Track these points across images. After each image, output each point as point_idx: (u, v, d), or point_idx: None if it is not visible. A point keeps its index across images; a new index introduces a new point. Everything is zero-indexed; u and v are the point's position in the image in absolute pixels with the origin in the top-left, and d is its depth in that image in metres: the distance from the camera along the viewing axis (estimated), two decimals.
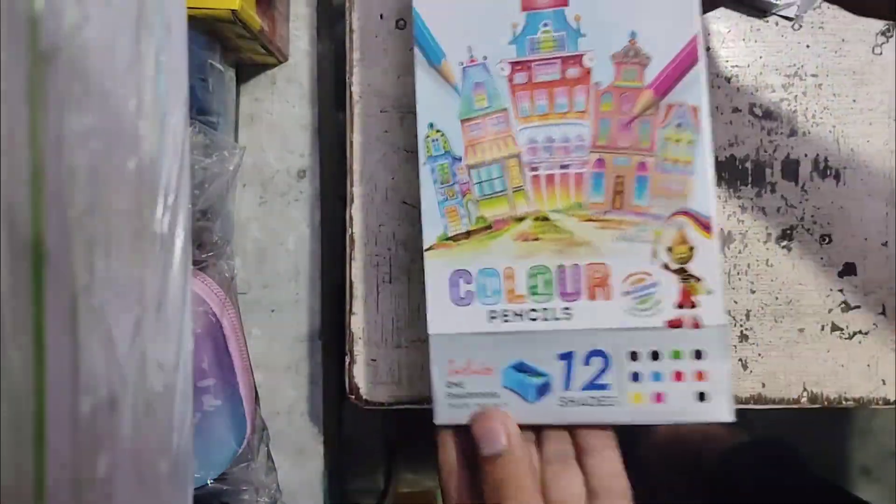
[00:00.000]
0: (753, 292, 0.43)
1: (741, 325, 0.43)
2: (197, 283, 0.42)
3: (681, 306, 0.31)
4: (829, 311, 0.43)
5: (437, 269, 0.34)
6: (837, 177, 0.43)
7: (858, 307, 0.43)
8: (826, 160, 0.43)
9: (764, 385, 0.43)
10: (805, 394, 0.43)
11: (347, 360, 0.44)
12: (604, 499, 0.32)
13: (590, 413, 0.32)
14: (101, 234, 0.20)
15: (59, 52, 0.18)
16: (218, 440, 0.43)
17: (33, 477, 0.18)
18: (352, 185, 0.44)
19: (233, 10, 0.40)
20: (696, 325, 0.31)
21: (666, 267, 0.31)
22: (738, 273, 0.43)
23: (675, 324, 0.31)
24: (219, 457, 0.43)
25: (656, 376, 0.31)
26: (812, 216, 0.43)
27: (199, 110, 0.44)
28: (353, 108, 0.45)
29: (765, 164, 0.43)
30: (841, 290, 0.43)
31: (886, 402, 0.43)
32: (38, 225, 0.17)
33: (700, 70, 0.32)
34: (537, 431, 0.34)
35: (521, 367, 0.32)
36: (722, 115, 0.43)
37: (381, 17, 0.44)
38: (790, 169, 0.43)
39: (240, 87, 0.51)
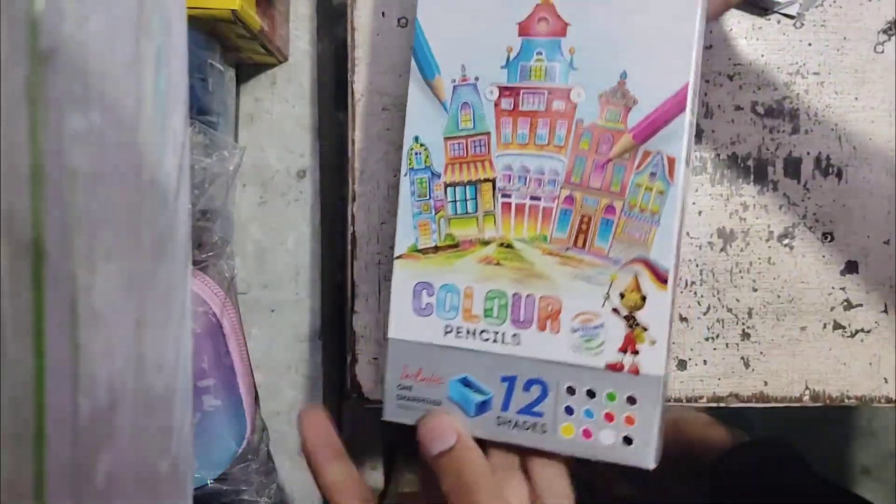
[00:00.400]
0: (755, 290, 0.43)
1: (743, 324, 0.43)
2: (197, 283, 0.42)
3: (623, 351, 0.32)
4: (832, 309, 0.43)
5: (403, 277, 0.35)
6: (839, 175, 0.43)
7: (861, 305, 0.43)
8: (828, 158, 0.43)
9: (766, 383, 0.43)
10: (807, 392, 0.43)
11: (349, 358, 0.44)
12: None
13: (522, 436, 0.33)
14: (101, 235, 0.20)
15: (59, 52, 0.18)
16: (218, 440, 0.43)
17: (33, 477, 0.18)
18: (353, 184, 0.44)
19: (233, 10, 0.40)
20: (635, 372, 0.32)
21: (615, 311, 0.32)
22: (741, 271, 0.43)
23: (614, 367, 0.32)
24: (219, 457, 0.43)
25: (588, 413, 0.32)
26: (814, 214, 0.43)
27: (199, 110, 0.43)
28: (354, 106, 0.44)
29: (767, 162, 0.43)
30: (843, 289, 0.43)
31: (889, 400, 0.43)
32: (38, 225, 0.17)
33: (684, 120, 0.31)
34: (483, 445, 0.34)
35: (466, 382, 0.34)
36: (724, 113, 0.43)
37: (383, 14, 0.44)
38: (792, 167, 0.43)
39: (240, 87, 0.51)
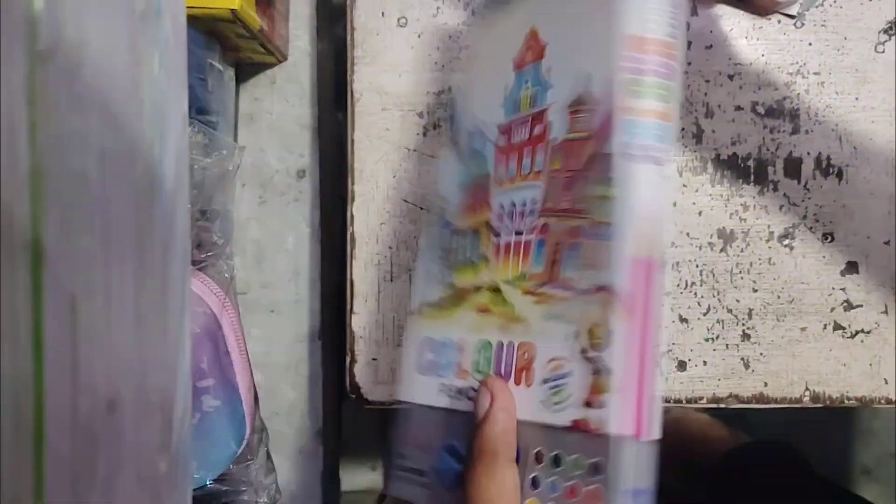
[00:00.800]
0: (755, 291, 0.43)
1: (743, 324, 0.43)
2: (196, 283, 0.42)
3: (588, 405, 0.26)
4: (832, 309, 0.43)
5: (412, 334, 0.33)
6: (840, 175, 0.43)
7: (861, 306, 0.43)
8: (828, 158, 0.43)
9: (766, 384, 0.43)
10: (807, 393, 0.43)
11: (348, 359, 0.44)
12: None
13: None
14: (101, 235, 0.20)
15: (59, 52, 0.18)
16: (217, 440, 0.43)
17: (33, 477, 0.18)
18: (352, 184, 0.44)
19: (232, 10, 0.40)
20: (600, 433, 0.25)
21: (583, 353, 0.26)
22: (741, 272, 0.43)
23: (579, 425, 0.26)
24: (218, 457, 0.43)
25: (553, 488, 0.26)
26: (814, 214, 0.43)
27: (199, 110, 0.43)
28: (353, 106, 0.44)
29: (767, 163, 0.43)
30: (843, 289, 0.43)
31: (888, 401, 0.43)
32: (38, 225, 0.17)
33: None
34: None
35: (452, 451, 0.30)
36: (724, 113, 0.43)
37: (383, 14, 0.44)
38: (792, 167, 0.43)
39: (239, 87, 0.51)
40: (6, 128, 0.16)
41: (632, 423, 0.25)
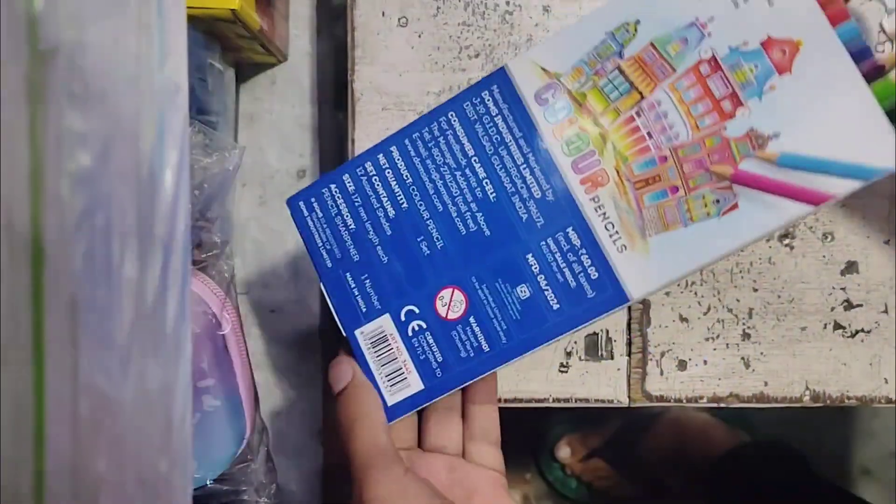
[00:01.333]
0: (756, 290, 0.43)
1: (743, 324, 0.43)
2: (197, 283, 0.42)
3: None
4: (832, 309, 0.43)
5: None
6: None
7: (861, 305, 0.43)
8: None
9: (766, 384, 0.43)
10: (807, 392, 0.43)
11: None
12: (478, 441, 0.36)
13: None
14: (101, 234, 0.20)
15: (59, 52, 0.18)
16: (217, 440, 0.43)
17: (33, 477, 0.18)
18: None
19: (232, 10, 0.40)
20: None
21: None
22: (741, 271, 0.43)
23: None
24: (218, 457, 0.43)
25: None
26: (814, 214, 0.43)
27: (199, 110, 0.43)
28: (354, 105, 0.44)
29: None
30: (843, 289, 0.43)
31: (889, 400, 0.43)
32: (38, 225, 0.17)
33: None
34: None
35: None
36: None
37: (383, 14, 0.44)
38: None
39: (239, 87, 0.51)
40: (6, 127, 0.16)
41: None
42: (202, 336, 0.41)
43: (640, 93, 0.35)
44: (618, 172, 0.34)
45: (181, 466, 0.24)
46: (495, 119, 0.35)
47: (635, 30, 0.35)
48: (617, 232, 0.34)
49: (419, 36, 0.44)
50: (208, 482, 0.43)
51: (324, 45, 0.51)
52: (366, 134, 0.44)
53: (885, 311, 0.43)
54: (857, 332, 0.43)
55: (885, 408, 0.43)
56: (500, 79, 0.35)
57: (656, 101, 0.34)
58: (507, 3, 0.44)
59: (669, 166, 0.34)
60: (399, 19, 0.44)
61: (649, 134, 0.34)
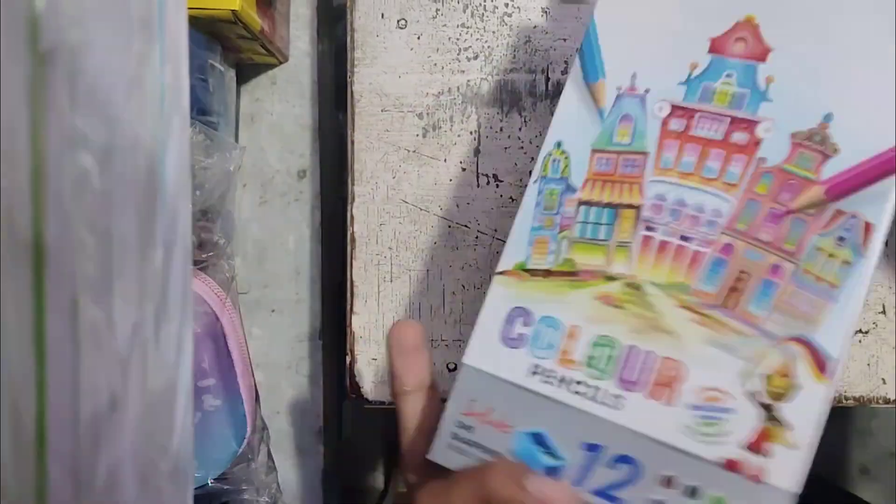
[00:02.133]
0: None
1: None
2: (197, 283, 0.42)
3: (750, 448, 0.25)
4: None
5: (499, 297, 0.29)
6: None
7: None
8: None
9: None
10: None
11: (349, 359, 0.44)
12: None
13: None
14: (102, 235, 0.20)
15: (59, 52, 0.18)
16: (218, 440, 0.43)
17: (34, 477, 0.18)
18: (352, 184, 0.44)
19: (233, 11, 0.40)
20: (757, 479, 0.25)
21: (753, 396, 0.26)
22: None
23: (733, 466, 0.25)
24: (219, 456, 0.43)
25: None
26: (872, 270, 0.43)
27: (200, 110, 0.44)
28: (353, 107, 0.45)
29: None
30: None
31: (887, 400, 0.43)
32: (39, 225, 0.17)
33: (892, 183, 0.26)
34: None
35: (539, 440, 0.28)
36: None
37: (382, 16, 0.44)
38: None
39: (240, 88, 0.51)
40: (7, 128, 0.17)
41: (796, 479, 0.25)
42: (203, 336, 0.41)
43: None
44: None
45: (182, 466, 0.25)
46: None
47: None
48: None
49: (418, 38, 0.44)
50: (209, 481, 0.43)
51: (324, 46, 0.51)
52: (366, 135, 0.44)
53: (883, 312, 0.43)
54: (855, 332, 0.43)
55: (884, 408, 0.43)
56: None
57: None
58: (506, 6, 0.44)
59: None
60: (398, 21, 0.44)
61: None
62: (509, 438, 0.28)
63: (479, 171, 0.44)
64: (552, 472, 0.27)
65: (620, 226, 0.28)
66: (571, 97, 0.30)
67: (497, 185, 0.44)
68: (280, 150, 0.51)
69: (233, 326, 0.43)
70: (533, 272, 0.29)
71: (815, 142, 0.26)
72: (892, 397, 0.43)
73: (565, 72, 0.45)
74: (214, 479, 0.43)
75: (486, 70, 0.44)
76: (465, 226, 0.44)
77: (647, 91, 0.29)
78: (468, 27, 0.44)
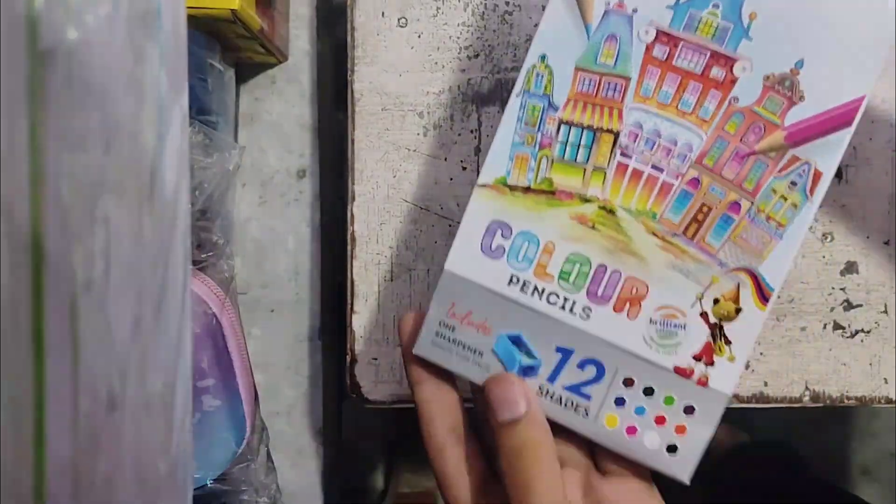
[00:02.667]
0: None
1: None
2: (197, 283, 0.42)
3: (698, 358, 0.29)
4: (831, 309, 0.43)
5: (480, 209, 0.31)
6: (839, 175, 0.43)
7: (860, 306, 0.43)
8: None
9: (766, 384, 0.43)
10: (807, 393, 0.43)
11: (349, 359, 0.44)
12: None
13: (560, 413, 0.31)
14: (101, 235, 0.20)
15: (59, 52, 0.18)
16: (218, 440, 0.43)
17: (33, 477, 0.18)
18: (353, 184, 0.44)
19: (232, 10, 0.40)
20: (703, 383, 0.29)
21: (703, 316, 0.29)
22: None
23: (683, 372, 0.29)
24: (218, 457, 0.43)
25: (639, 410, 0.30)
26: (814, 214, 0.43)
27: (199, 110, 0.43)
28: (354, 106, 0.44)
29: None
30: (843, 289, 0.43)
31: (888, 400, 0.43)
32: (38, 225, 0.17)
33: (846, 136, 0.28)
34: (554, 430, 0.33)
35: (516, 341, 0.31)
36: None
37: (383, 14, 0.44)
38: None
39: (240, 87, 0.51)
40: (7, 128, 0.16)
41: (732, 384, 0.29)
42: (202, 336, 0.41)
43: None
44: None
45: (181, 466, 0.25)
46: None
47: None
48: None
49: (419, 36, 0.44)
50: (208, 482, 0.43)
51: (324, 45, 0.51)
52: (366, 134, 0.44)
53: (885, 312, 0.43)
54: (856, 332, 0.43)
55: (885, 408, 0.43)
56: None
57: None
58: (507, 4, 0.44)
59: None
60: (399, 20, 0.44)
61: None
62: (490, 339, 0.31)
63: (480, 170, 0.44)
64: (529, 370, 0.30)
65: (598, 150, 0.29)
66: (559, 7, 0.30)
67: None
68: (280, 149, 0.51)
69: (232, 327, 0.43)
70: (513, 188, 0.30)
71: (785, 87, 0.28)
72: (894, 397, 0.43)
73: None
74: (214, 480, 0.43)
75: (487, 69, 0.44)
76: None
77: (634, 10, 0.29)
78: (469, 26, 0.44)
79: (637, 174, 0.29)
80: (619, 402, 0.30)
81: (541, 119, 0.30)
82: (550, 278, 0.30)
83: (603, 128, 0.29)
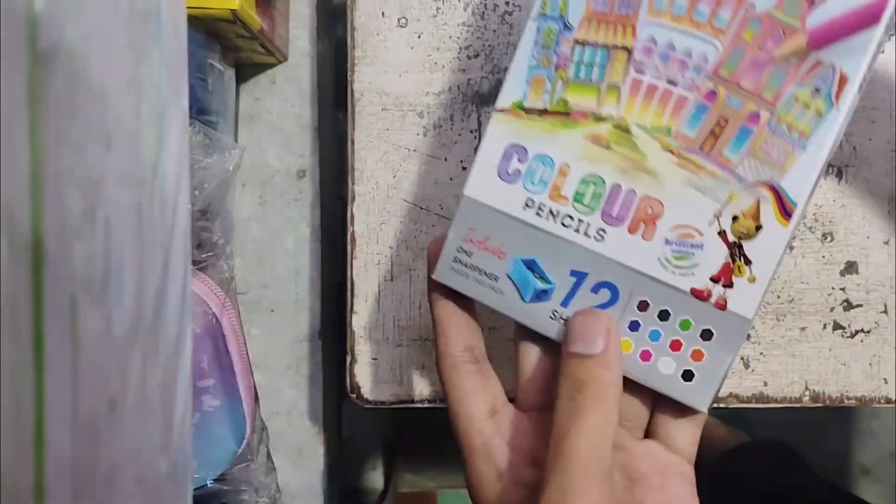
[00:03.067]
0: None
1: None
2: (197, 283, 0.42)
3: (716, 280, 0.28)
4: (831, 309, 0.43)
5: (497, 134, 0.30)
6: (839, 175, 0.43)
7: (860, 306, 0.43)
8: None
9: (766, 384, 0.43)
10: (807, 393, 0.43)
11: (348, 359, 0.44)
12: (662, 410, 0.31)
13: None
14: (101, 235, 0.20)
15: (59, 52, 0.18)
16: (218, 440, 0.43)
17: (33, 477, 0.18)
18: (353, 184, 0.44)
19: (232, 10, 0.40)
20: (721, 306, 0.28)
21: (722, 235, 0.28)
22: None
23: (700, 294, 0.28)
24: (218, 457, 0.43)
25: (654, 335, 0.29)
26: (814, 214, 0.43)
27: (199, 110, 0.43)
28: (353, 106, 0.44)
29: None
30: (843, 289, 0.43)
31: (888, 400, 0.43)
32: (38, 225, 0.17)
33: (873, 36, 0.26)
34: None
35: (530, 265, 0.30)
36: None
37: (383, 14, 0.44)
38: None
39: (239, 87, 0.51)
40: (7, 128, 0.16)
41: (753, 307, 0.27)
42: (202, 336, 0.41)
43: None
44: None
45: (181, 466, 0.25)
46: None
47: None
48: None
49: (419, 36, 0.44)
50: (208, 482, 0.43)
51: (324, 45, 0.51)
52: (366, 134, 0.44)
53: (885, 312, 0.43)
54: (856, 332, 0.43)
55: (885, 408, 0.43)
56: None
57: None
58: (507, 4, 0.44)
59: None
60: (399, 20, 0.44)
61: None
62: (505, 263, 0.31)
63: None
64: (542, 294, 0.30)
65: (612, 67, 0.29)
66: None
67: None
68: (280, 149, 0.51)
69: (232, 327, 0.43)
70: (529, 111, 0.30)
71: None
72: (894, 397, 0.43)
73: None
74: (214, 480, 0.43)
75: (487, 69, 0.44)
76: None
77: None
78: (469, 26, 0.44)
79: (651, 90, 0.28)
80: (634, 326, 0.29)
81: (556, 41, 0.29)
82: (565, 201, 0.29)
83: (617, 45, 0.29)
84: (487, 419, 0.30)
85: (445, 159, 0.44)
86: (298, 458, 0.51)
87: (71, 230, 0.19)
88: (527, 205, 0.30)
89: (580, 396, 0.27)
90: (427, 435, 0.81)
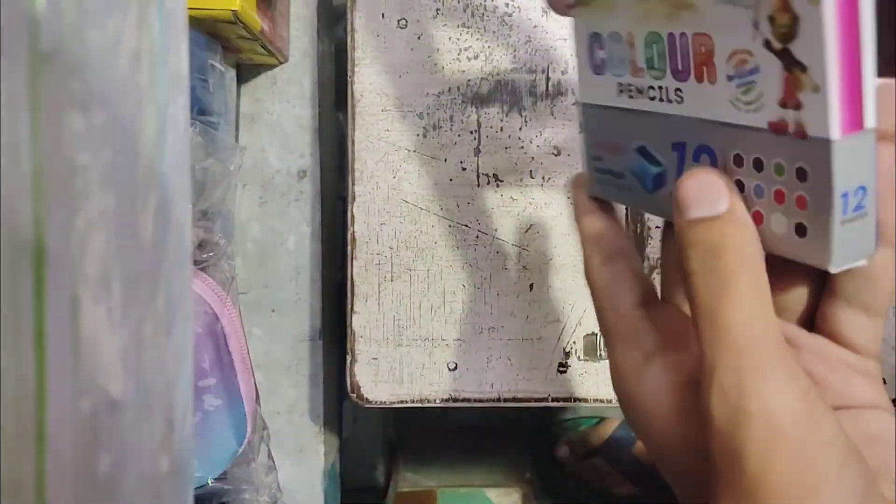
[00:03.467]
0: None
1: None
2: (197, 283, 0.42)
3: (784, 105, 0.24)
4: None
5: (578, 30, 0.30)
6: None
7: None
8: None
9: None
10: None
11: (349, 358, 0.44)
12: (842, 303, 0.26)
13: None
14: (102, 235, 0.20)
15: (59, 53, 0.18)
16: (218, 440, 0.43)
17: (33, 477, 0.18)
18: (353, 184, 0.44)
19: (233, 11, 0.40)
20: (801, 135, 0.24)
21: (768, 45, 0.24)
22: None
23: (778, 127, 0.25)
24: (219, 456, 0.43)
25: (758, 191, 0.25)
26: None
27: (200, 110, 0.44)
28: (354, 107, 0.45)
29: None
30: None
31: None
32: (39, 225, 0.17)
33: None
34: None
35: (643, 152, 0.29)
36: None
37: (383, 16, 0.44)
38: None
39: (240, 88, 0.51)
40: (8, 128, 0.17)
41: (838, 122, 0.23)
42: (203, 336, 0.41)
43: None
44: None
45: (182, 466, 0.25)
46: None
47: None
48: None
49: (419, 38, 0.44)
50: (209, 481, 0.43)
51: (324, 46, 0.51)
52: (366, 135, 0.44)
53: None
54: None
55: None
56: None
57: None
58: (506, 5, 0.44)
59: None
60: (399, 21, 0.44)
61: None
62: (625, 159, 0.30)
63: (480, 170, 0.44)
64: (660, 177, 0.29)
65: None
66: None
67: (497, 185, 0.44)
68: (280, 150, 0.51)
69: (233, 326, 0.43)
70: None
71: None
72: (892, 397, 0.43)
73: (565, 72, 0.45)
74: (214, 479, 0.43)
75: (487, 70, 0.44)
76: (466, 225, 0.44)
77: None
78: (468, 27, 0.44)
79: None
80: (738, 186, 0.26)
81: None
82: (642, 72, 0.28)
83: None
84: (634, 309, 0.28)
85: (445, 160, 0.44)
86: (299, 457, 0.51)
87: (71, 230, 0.19)
88: (619, 91, 0.29)
89: (720, 264, 0.23)
90: (427, 434, 0.81)
